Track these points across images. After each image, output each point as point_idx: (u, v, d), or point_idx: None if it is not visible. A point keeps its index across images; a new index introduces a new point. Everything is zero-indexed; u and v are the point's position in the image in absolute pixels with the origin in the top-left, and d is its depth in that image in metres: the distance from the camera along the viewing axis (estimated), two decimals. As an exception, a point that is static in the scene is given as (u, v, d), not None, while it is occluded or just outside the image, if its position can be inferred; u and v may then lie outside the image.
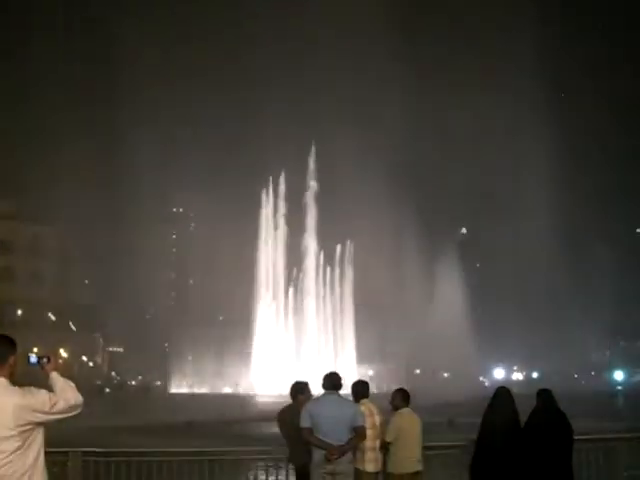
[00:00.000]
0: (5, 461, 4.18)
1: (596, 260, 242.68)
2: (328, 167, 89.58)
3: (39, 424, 4.35)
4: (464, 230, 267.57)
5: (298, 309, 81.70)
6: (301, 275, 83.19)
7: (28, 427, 4.26)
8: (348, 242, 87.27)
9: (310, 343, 77.23)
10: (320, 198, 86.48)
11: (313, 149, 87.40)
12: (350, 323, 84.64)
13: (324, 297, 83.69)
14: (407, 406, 9.07)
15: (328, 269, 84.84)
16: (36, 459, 4.35)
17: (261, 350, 76.95)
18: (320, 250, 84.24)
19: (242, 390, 71.45)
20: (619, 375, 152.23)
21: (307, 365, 67.07)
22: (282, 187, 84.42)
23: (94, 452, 8.96)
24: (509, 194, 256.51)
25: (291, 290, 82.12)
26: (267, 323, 79.00)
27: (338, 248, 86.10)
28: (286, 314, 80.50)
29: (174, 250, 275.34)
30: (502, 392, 7.31)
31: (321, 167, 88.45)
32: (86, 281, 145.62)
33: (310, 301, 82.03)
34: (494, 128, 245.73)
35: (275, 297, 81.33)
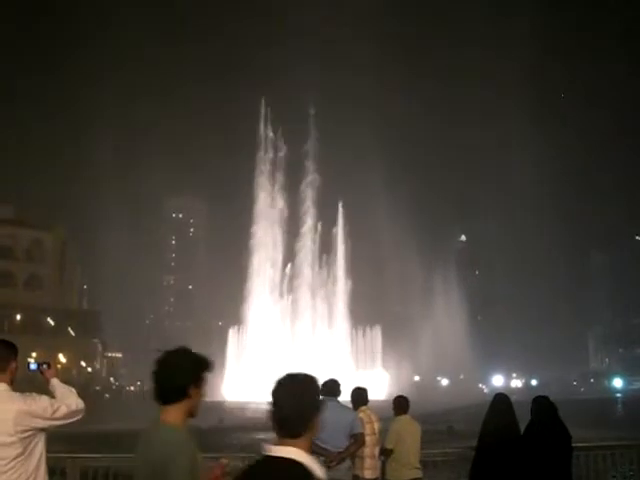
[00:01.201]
0: (7, 467, 4.16)
1: (596, 268, 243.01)
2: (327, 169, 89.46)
3: (41, 430, 4.34)
4: (463, 237, 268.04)
5: (293, 312, 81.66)
6: (296, 265, 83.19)
7: (29, 433, 4.25)
8: (340, 222, 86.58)
9: (304, 348, 76.82)
10: (319, 199, 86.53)
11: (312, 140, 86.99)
12: (345, 323, 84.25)
13: (320, 297, 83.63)
14: (406, 413, 9.07)
15: (325, 264, 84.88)
16: (38, 466, 4.34)
17: (256, 354, 76.56)
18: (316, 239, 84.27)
19: (235, 398, 71.09)
20: (618, 382, 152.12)
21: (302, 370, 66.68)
22: (279, 177, 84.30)
23: (93, 458, 8.95)
24: (508, 202, 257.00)
25: (285, 286, 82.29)
26: (261, 323, 78.78)
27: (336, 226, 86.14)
28: (282, 313, 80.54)
29: (173, 255, 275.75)
30: (500, 399, 7.30)
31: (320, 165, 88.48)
32: (85, 286, 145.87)
33: (305, 305, 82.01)
34: (495, 138, 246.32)
35: (271, 292, 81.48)
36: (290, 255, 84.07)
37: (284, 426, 2.83)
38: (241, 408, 52.30)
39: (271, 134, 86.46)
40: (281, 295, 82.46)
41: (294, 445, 2.81)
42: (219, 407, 53.57)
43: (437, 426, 26.15)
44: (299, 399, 2.85)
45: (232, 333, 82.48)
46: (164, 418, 3.53)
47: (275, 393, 2.87)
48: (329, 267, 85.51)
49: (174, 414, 3.54)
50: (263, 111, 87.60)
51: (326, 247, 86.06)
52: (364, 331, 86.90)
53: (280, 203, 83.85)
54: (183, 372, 3.57)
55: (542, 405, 7.55)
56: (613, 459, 9.93)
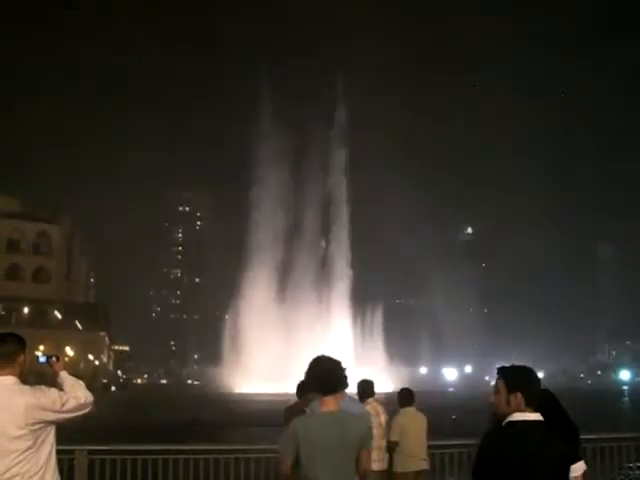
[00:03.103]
0: (17, 460, 4.18)
1: (602, 260, 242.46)
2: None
3: (50, 423, 4.36)
4: (469, 230, 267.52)
5: (292, 300, 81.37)
6: (296, 260, 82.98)
7: (39, 426, 4.27)
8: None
9: (304, 340, 75.99)
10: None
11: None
12: (347, 315, 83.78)
13: (320, 289, 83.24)
14: (411, 405, 9.09)
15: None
16: (48, 458, 4.36)
17: (253, 346, 76.22)
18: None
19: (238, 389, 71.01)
20: (625, 375, 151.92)
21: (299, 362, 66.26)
22: (282, 163, 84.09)
23: (100, 450, 8.98)
24: (514, 195, 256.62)
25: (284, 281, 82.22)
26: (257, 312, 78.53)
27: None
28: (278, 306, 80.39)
29: (180, 248, 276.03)
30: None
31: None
32: (92, 279, 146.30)
33: (305, 293, 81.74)
34: (500, 135, 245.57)
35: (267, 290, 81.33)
36: (289, 253, 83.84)
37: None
38: (248, 400, 52.40)
39: (271, 109, 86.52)
40: (280, 288, 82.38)
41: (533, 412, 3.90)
42: (226, 399, 53.76)
43: (443, 418, 26.12)
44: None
45: (230, 323, 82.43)
46: (331, 405, 4.68)
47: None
48: (330, 264, 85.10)
49: (336, 402, 4.71)
50: (264, 97, 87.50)
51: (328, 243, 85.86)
52: (363, 324, 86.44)
53: (282, 188, 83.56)
54: (343, 371, 4.89)
55: (544, 397, 7.54)
56: (620, 451, 9.91)
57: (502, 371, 4.07)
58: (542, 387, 7.73)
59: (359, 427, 4.67)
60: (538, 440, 3.72)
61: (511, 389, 3.91)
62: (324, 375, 4.76)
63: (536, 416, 3.88)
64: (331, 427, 4.56)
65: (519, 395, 3.88)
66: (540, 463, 3.65)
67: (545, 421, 3.83)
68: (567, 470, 3.81)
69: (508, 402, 3.89)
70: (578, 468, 3.93)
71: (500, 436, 3.76)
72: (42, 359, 4.80)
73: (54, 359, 4.73)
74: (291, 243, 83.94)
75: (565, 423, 7.66)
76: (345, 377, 8.01)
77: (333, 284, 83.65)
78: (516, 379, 3.99)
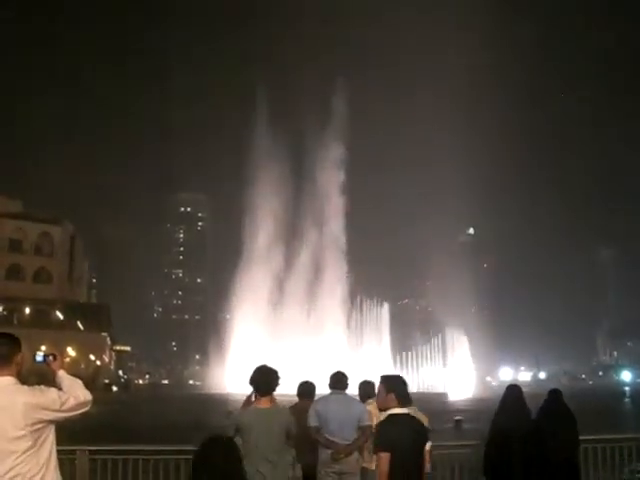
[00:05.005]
0: (18, 461, 4.17)
1: (604, 262, 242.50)
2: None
3: (50, 422, 4.35)
4: (471, 231, 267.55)
5: (290, 301, 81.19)
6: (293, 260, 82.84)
7: (39, 426, 4.26)
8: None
9: (300, 337, 75.61)
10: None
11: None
12: (344, 317, 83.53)
13: (317, 289, 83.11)
14: (410, 405, 9.08)
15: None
16: (49, 458, 4.35)
17: (248, 344, 76.13)
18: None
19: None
20: (627, 375, 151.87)
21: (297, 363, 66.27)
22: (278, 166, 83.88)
23: (101, 450, 8.97)
24: (515, 196, 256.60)
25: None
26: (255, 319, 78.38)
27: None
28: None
29: (182, 249, 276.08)
30: (512, 391, 7.29)
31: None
32: (93, 280, 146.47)
33: (301, 293, 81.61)
34: (503, 130, 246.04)
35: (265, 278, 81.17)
36: (289, 254, 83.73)
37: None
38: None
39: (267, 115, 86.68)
40: (278, 285, 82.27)
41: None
42: (224, 399, 53.73)
43: (445, 418, 26.11)
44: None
45: (228, 324, 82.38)
46: (266, 403, 6.46)
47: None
48: (329, 260, 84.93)
49: (269, 401, 6.49)
50: (259, 97, 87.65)
51: (326, 245, 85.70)
52: (362, 324, 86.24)
53: (279, 190, 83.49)
54: (277, 378, 6.64)
55: (552, 397, 7.66)
56: (621, 452, 9.88)
57: (382, 377, 5.92)
58: (552, 388, 7.98)
59: (283, 418, 6.48)
60: (407, 425, 5.61)
61: (388, 391, 5.72)
62: (258, 381, 6.51)
63: (405, 410, 5.72)
64: (261, 418, 6.31)
65: (393, 395, 5.67)
66: (408, 438, 5.48)
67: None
68: (423, 443, 5.68)
69: (387, 399, 5.70)
70: (428, 445, 5.78)
71: (387, 423, 5.61)
72: (39, 358, 4.80)
73: (51, 358, 4.72)
74: (289, 245, 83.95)
75: (568, 419, 7.72)
76: (345, 378, 8.10)
77: (327, 283, 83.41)
78: (390, 384, 5.78)
